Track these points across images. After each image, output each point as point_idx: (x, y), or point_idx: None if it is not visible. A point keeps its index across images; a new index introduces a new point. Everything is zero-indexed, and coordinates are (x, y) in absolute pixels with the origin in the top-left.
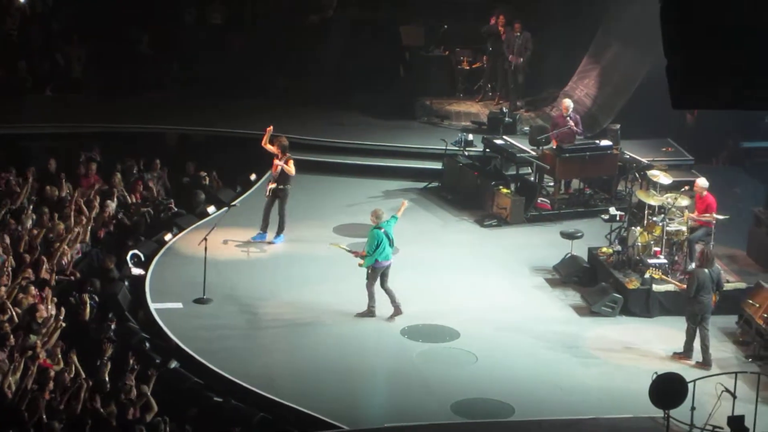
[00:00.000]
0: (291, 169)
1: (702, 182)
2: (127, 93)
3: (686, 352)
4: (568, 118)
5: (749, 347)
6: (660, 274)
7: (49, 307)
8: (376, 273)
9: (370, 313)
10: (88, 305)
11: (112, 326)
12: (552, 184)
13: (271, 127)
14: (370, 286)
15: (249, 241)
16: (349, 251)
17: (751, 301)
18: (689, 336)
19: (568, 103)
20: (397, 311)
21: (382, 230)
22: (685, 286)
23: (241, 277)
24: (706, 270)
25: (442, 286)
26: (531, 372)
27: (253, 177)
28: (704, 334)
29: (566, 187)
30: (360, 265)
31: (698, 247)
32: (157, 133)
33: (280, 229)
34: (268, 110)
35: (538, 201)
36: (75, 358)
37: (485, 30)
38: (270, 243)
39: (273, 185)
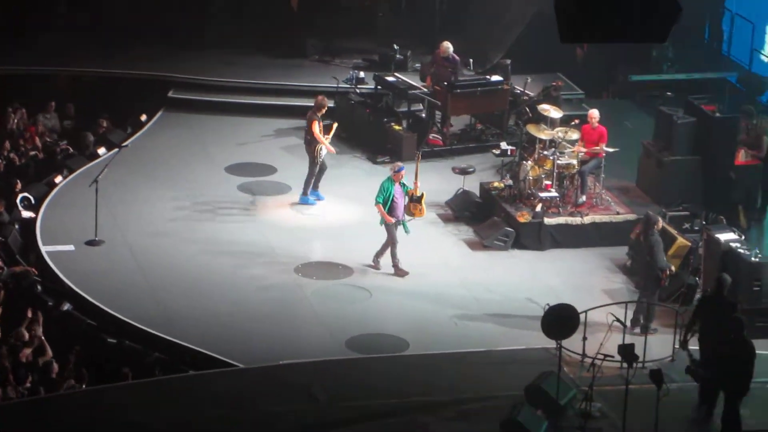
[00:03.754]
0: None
1: (595, 113)
2: (17, 35)
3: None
4: (447, 60)
5: (639, 277)
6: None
7: None
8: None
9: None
10: None
11: (3, 270)
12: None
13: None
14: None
15: (139, 181)
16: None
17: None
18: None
19: (446, 45)
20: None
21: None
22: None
23: (132, 218)
24: None
25: (336, 223)
26: (425, 307)
27: (143, 118)
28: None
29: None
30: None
31: (589, 180)
32: (48, 75)
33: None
34: (166, 52)
35: (430, 137)
36: None
37: None
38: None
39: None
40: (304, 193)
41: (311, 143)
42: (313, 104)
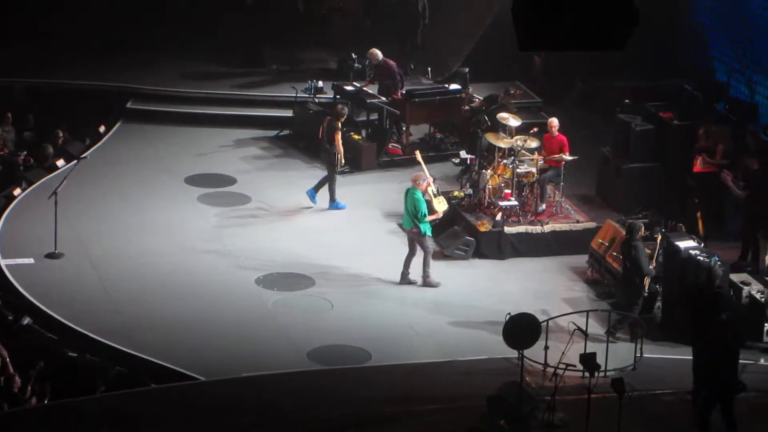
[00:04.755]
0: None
1: (554, 121)
2: None
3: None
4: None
5: (599, 286)
6: None
7: None
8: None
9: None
10: None
11: None
12: (403, 128)
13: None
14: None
15: (98, 192)
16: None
17: (600, 240)
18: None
19: (372, 51)
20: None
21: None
22: None
23: (92, 231)
24: None
25: (296, 233)
26: (387, 317)
27: (102, 129)
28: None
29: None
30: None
31: (549, 188)
32: (4, 87)
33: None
34: (120, 62)
35: (390, 146)
36: None
37: None
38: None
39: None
40: (332, 200)
41: (330, 150)
42: (330, 114)
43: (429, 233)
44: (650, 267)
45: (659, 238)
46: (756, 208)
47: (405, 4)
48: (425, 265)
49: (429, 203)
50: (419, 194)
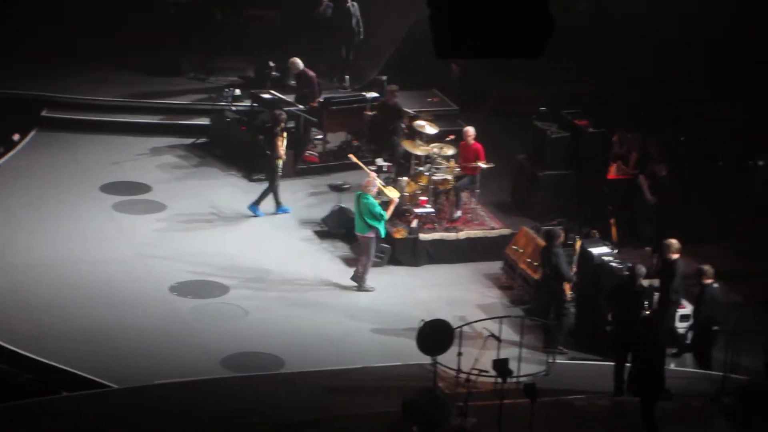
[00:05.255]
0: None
1: (470, 130)
2: None
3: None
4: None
5: (513, 292)
6: None
7: None
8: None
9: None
10: None
11: None
12: (320, 136)
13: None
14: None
15: (12, 200)
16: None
17: (515, 247)
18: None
19: (292, 61)
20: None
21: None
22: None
23: (6, 239)
24: None
25: (211, 241)
26: (301, 324)
27: (16, 137)
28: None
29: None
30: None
31: (464, 195)
32: None
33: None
34: (34, 70)
35: (306, 154)
36: None
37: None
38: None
39: None
40: (278, 204)
41: (270, 157)
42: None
43: (383, 234)
44: (571, 273)
45: (578, 243)
46: (665, 213)
47: (340, 18)
48: (365, 270)
49: (382, 196)
50: (370, 198)
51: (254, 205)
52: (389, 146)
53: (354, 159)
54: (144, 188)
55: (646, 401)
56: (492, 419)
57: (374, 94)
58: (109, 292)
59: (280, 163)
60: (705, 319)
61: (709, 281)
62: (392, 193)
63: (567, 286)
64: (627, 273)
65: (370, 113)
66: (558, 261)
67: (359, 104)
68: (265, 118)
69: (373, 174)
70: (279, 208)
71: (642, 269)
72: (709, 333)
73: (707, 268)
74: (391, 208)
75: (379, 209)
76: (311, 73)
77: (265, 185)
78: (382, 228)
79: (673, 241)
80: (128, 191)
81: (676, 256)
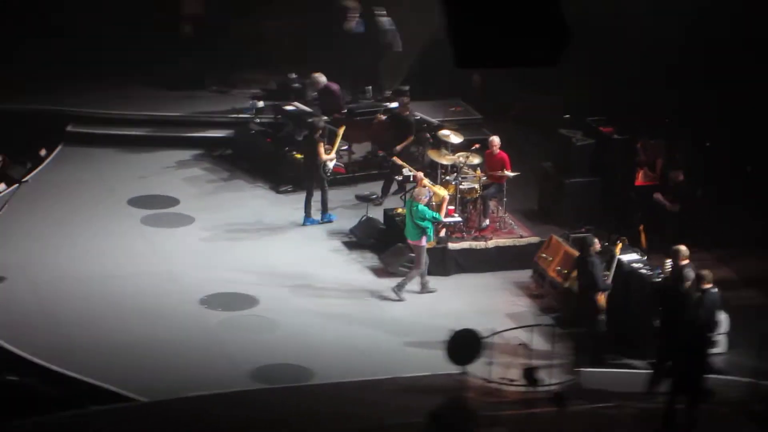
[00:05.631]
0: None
1: (495, 140)
2: None
3: None
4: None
5: (543, 300)
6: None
7: None
8: None
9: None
10: None
11: None
12: (346, 147)
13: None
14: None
15: (41, 216)
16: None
17: (543, 255)
18: None
19: (315, 77)
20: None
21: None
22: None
23: (35, 255)
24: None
25: (241, 253)
26: (330, 336)
27: (43, 152)
28: None
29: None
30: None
31: (492, 204)
32: None
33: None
34: (47, 84)
35: (333, 165)
36: None
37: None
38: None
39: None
40: (325, 211)
41: (313, 166)
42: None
43: (431, 238)
44: (606, 282)
45: (618, 247)
46: (685, 218)
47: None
48: (410, 278)
49: (432, 198)
50: (421, 206)
51: (308, 218)
52: (410, 157)
53: (398, 161)
54: (172, 201)
55: (692, 403)
56: (521, 428)
57: (397, 104)
58: (139, 305)
59: (331, 165)
60: (703, 324)
61: (708, 286)
62: (442, 192)
63: (601, 296)
64: (673, 276)
65: (382, 118)
66: (594, 270)
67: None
68: (290, 129)
69: (420, 175)
70: (325, 215)
71: (690, 272)
72: (705, 339)
73: (706, 272)
74: (444, 206)
75: (431, 214)
76: (334, 86)
77: (304, 194)
78: (431, 230)
79: (682, 248)
80: (156, 205)
81: (685, 262)
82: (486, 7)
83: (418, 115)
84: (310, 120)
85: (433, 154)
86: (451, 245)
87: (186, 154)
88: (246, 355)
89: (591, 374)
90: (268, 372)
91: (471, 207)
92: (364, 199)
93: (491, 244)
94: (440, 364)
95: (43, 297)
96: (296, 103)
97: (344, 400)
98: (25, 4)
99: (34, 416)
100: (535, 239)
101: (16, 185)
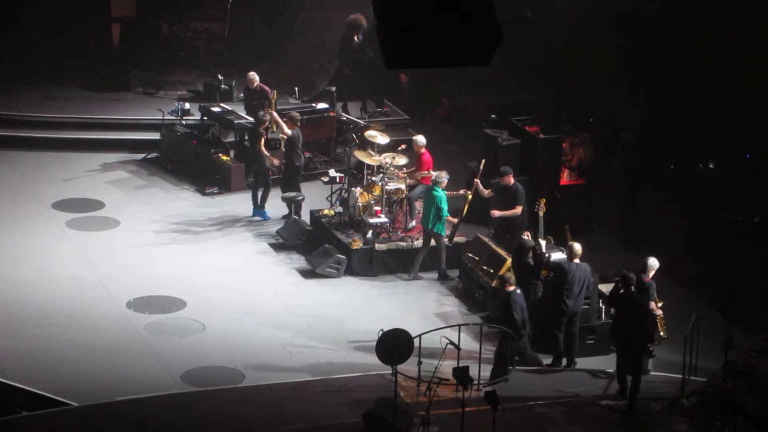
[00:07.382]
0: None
1: (420, 140)
2: None
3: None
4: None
5: (470, 300)
6: None
7: None
8: None
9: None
10: None
11: None
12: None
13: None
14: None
15: None
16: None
17: (470, 255)
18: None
19: (251, 75)
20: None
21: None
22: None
23: None
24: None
25: (167, 256)
26: (259, 337)
27: None
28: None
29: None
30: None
31: (418, 205)
32: None
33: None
34: None
35: None
36: None
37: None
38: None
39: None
40: (261, 207)
41: (259, 160)
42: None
43: (443, 233)
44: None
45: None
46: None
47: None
48: (441, 261)
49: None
50: (440, 191)
51: (256, 210)
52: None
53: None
54: (97, 205)
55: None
56: (454, 427)
57: (325, 105)
58: (66, 310)
59: (270, 161)
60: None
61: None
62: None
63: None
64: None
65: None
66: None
67: (310, 116)
68: (216, 131)
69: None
70: (260, 211)
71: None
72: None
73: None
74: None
75: (446, 207)
76: (266, 88)
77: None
78: (442, 229)
79: (575, 245)
80: (81, 208)
81: (577, 260)
82: (417, 7)
83: (344, 115)
84: (257, 113)
85: (359, 155)
86: (378, 246)
87: (111, 157)
88: (175, 358)
89: (521, 373)
90: (198, 374)
91: (397, 207)
92: (290, 200)
93: (418, 244)
94: (371, 364)
95: None
96: (222, 105)
97: (276, 401)
98: None
99: None
100: (461, 239)
101: None
